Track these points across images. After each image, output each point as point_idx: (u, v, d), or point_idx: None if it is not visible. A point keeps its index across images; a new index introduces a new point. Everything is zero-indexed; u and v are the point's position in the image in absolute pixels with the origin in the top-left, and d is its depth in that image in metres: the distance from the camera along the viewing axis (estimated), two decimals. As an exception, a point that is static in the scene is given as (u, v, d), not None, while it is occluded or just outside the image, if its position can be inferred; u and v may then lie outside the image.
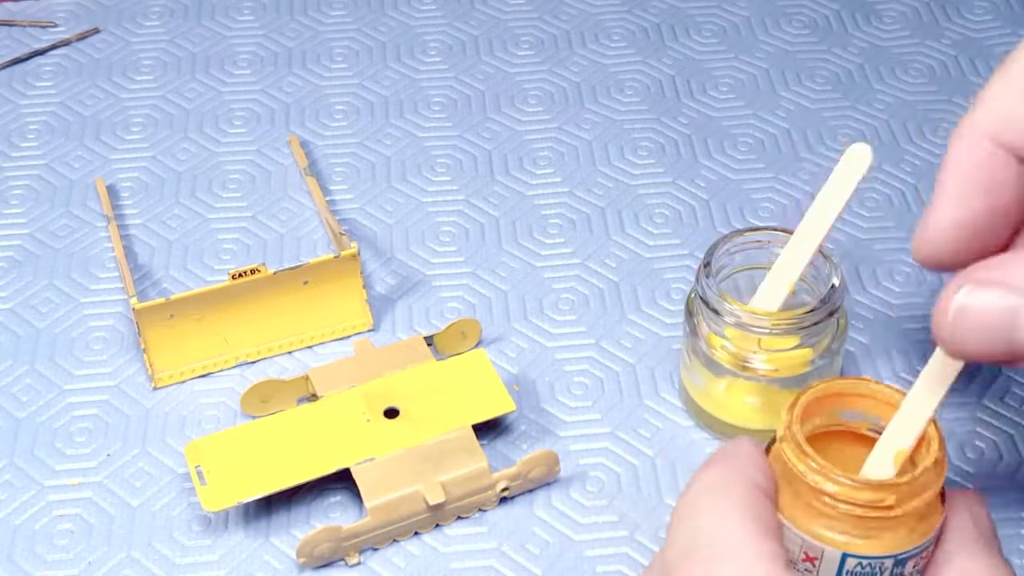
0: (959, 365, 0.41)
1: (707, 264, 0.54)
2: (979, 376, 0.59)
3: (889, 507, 0.39)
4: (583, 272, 0.64)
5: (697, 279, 0.54)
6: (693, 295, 0.55)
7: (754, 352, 0.53)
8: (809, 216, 0.52)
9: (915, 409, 0.42)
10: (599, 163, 0.70)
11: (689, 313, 0.55)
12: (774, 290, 0.53)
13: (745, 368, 0.54)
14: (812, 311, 0.52)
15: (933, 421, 0.41)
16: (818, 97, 0.74)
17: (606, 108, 0.73)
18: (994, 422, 0.58)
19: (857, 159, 0.51)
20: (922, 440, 0.41)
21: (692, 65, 0.76)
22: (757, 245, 0.55)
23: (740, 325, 0.52)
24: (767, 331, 0.52)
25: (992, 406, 0.58)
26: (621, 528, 0.54)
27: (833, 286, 0.53)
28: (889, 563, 0.40)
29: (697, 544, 0.38)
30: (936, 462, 0.40)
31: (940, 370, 0.41)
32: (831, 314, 0.52)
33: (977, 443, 0.57)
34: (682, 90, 0.74)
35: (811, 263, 0.53)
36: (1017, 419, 0.58)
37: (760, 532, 0.38)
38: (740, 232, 0.55)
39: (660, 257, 0.65)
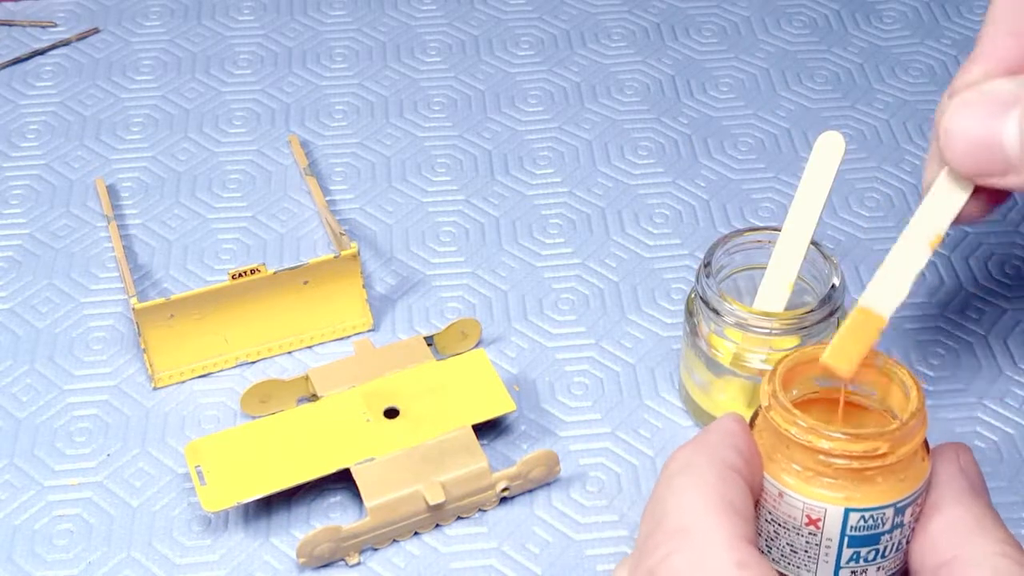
0: (959, 201, 0.42)
1: (707, 264, 0.54)
2: (979, 376, 0.59)
3: (884, 455, 0.40)
4: (583, 272, 0.64)
5: (697, 279, 0.54)
6: (693, 295, 0.55)
7: (755, 352, 0.53)
8: (793, 211, 0.52)
9: (923, 227, 0.43)
10: (599, 163, 0.70)
11: (689, 313, 0.55)
12: (775, 290, 0.53)
13: (745, 368, 0.54)
14: (812, 311, 0.52)
15: (910, 373, 0.42)
16: (818, 97, 0.74)
17: (606, 108, 0.73)
18: (994, 422, 0.58)
19: (830, 147, 0.51)
20: (904, 389, 0.42)
21: (692, 65, 0.76)
22: (757, 245, 0.55)
23: (740, 325, 0.52)
24: (768, 331, 0.52)
25: (992, 406, 0.58)
26: (621, 528, 0.54)
27: (833, 286, 0.53)
28: (890, 512, 0.40)
29: (661, 523, 0.39)
30: (919, 408, 0.41)
31: (942, 200, 0.43)
32: (831, 314, 0.52)
33: (977, 443, 0.57)
34: (682, 90, 0.74)
35: (807, 259, 0.53)
36: (1017, 419, 0.58)
37: (723, 509, 0.38)
38: (740, 232, 0.55)
39: (660, 257, 0.65)
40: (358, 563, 0.53)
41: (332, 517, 0.54)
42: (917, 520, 0.42)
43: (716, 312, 0.53)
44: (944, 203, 0.43)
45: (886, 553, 0.41)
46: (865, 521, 0.40)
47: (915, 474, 0.41)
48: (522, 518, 0.54)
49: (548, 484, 0.55)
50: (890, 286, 0.43)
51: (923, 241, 0.43)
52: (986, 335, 0.61)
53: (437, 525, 0.54)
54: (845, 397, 0.44)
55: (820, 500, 0.40)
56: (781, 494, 0.41)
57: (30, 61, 0.77)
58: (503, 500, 0.55)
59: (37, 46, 0.78)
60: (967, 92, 0.41)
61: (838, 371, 0.43)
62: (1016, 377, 0.59)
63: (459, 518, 0.54)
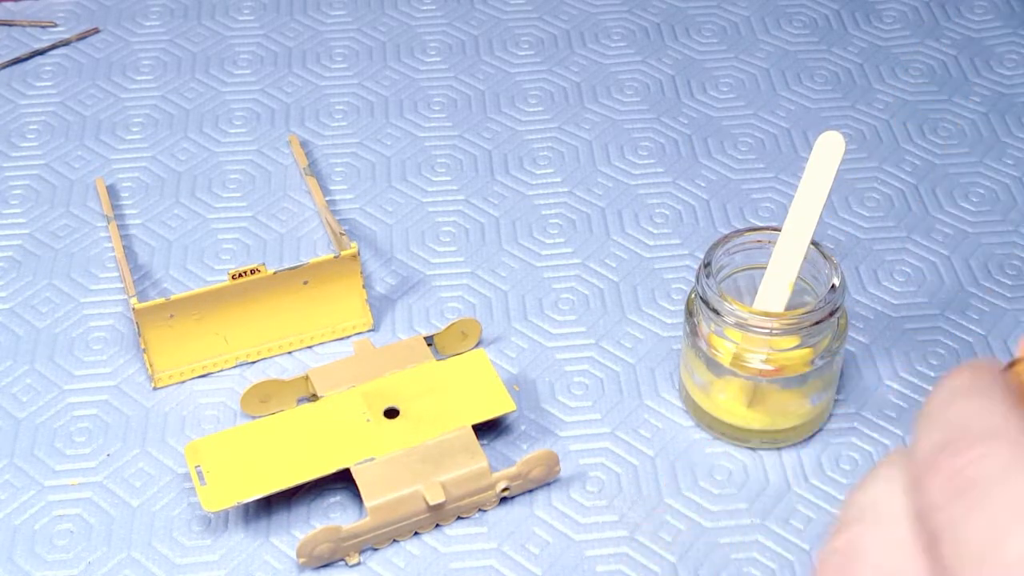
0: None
1: (707, 264, 0.54)
2: (979, 376, 0.59)
3: None
4: (583, 272, 0.64)
5: (697, 279, 0.54)
6: (693, 295, 0.55)
7: (755, 352, 0.53)
8: (794, 211, 0.52)
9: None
10: (599, 163, 0.70)
11: (689, 313, 0.55)
12: (775, 290, 0.53)
13: (745, 368, 0.54)
14: (812, 311, 0.52)
15: None
16: (818, 97, 0.74)
17: (606, 108, 0.73)
18: (994, 422, 0.57)
19: (830, 147, 0.51)
20: None
21: (692, 65, 0.76)
22: (757, 245, 0.55)
23: (741, 325, 0.52)
24: (768, 331, 0.52)
25: (992, 406, 0.58)
26: (621, 528, 0.54)
27: (833, 286, 0.53)
28: None
29: (957, 434, 0.38)
30: None
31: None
32: (831, 314, 0.52)
33: (977, 443, 0.57)
34: (682, 90, 0.74)
35: (807, 259, 0.53)
36: (1017, 419, 0.58)
37: None
38: (740, 232, 0.55)
39: (660, 257, 0.65)
40: (358, 563, 0.53)
41: (332, 517, 0.54)
42: None
43: (716, 312, 0.53)
44: None
45: None
46: None
47: None
48: (522, 518, 0.54)
49: (548, 484, 0.55)
50: None
51: None
52: (986, 335, 0.61)
53: (437, 525, 0.54)
54: None
55: None
56: None
57: (30, 61, 0.77)
58: (503, 500, 0.55)
59: (37, 46, 0.78)
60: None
61: None
62: (1016, 377, 0.59)
63: (459, 518, 0.54)
